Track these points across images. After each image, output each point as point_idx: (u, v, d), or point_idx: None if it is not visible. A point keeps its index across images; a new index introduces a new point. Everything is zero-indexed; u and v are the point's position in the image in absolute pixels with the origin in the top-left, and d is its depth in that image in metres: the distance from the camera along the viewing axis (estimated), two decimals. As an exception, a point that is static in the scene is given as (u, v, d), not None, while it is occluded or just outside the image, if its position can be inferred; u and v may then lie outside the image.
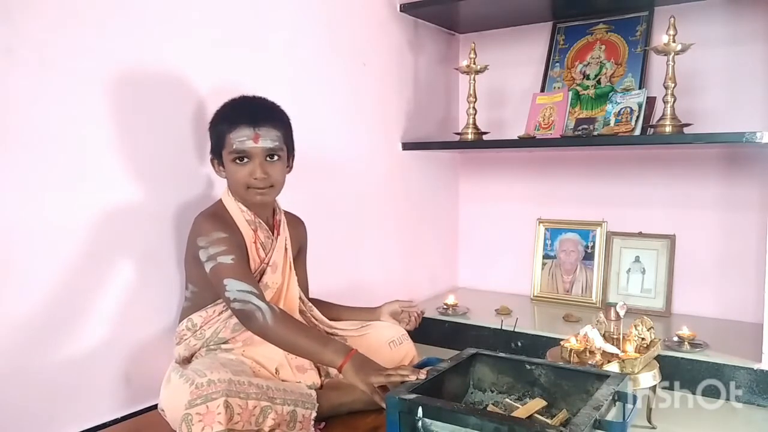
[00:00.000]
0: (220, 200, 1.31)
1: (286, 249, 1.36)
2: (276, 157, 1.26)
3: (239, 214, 1.28)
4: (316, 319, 1.43)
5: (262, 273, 1.30)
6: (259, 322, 1.16)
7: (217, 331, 1.25)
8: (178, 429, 1.04)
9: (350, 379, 1.13)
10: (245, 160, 1.23)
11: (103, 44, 1.25)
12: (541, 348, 1.69)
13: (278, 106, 1.30)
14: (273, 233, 1.34)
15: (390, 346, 1.42)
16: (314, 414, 1.20)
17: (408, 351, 1.44)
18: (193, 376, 1.08)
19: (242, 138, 1.21)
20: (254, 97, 1.30)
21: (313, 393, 1.23)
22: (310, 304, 1.45)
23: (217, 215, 1.27)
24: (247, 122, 1.22)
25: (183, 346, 1.26)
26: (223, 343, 1.26)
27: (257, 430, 1.11)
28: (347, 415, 1.30)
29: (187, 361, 1.26)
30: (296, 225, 1.44)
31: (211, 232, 1.21)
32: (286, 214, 1.42)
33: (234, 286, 1.17)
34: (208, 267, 1.19)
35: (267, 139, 1.23)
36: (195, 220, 1.26)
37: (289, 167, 1.33)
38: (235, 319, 1.23)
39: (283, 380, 1.24)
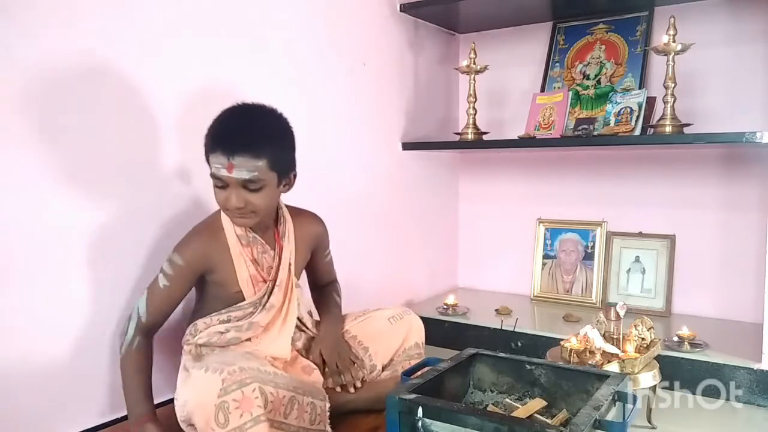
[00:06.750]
0: (218, 210, 1.25)
1: (290, 265, 1.30)
2: (256, 186, 1.15)
3: (231, 228, 1.23)
4: (305, 325, 1.39)
5: (269, 293, 1.26)
6: (120, 346, 1.19)
7: (211, 340, 1.23)
8: (213, 419, 1.01)
9: None
10: (223, 185, 1.16)
11: (101, 44, 1.25)
12: (541, 348, 1.69)
13: (265, 130, 1.18)
14: (276, 246, 1.29)
15: (390, 321, 1.42)
16: (328, 405, 1.21)
17: (411, 324, 1.44)
18: (222, 366, 1.06)
19: (217, 165, 1.13)
20: (241, 116, 1.18)
21: (320, 386, 1.24)
22: (305, 309, 1.41)
23: (207, 230, 1.23)
24: (222, 150, 1.12)
25: (188, 348, 1.25)
26: (233, 345, 1.25)
27: (283, 421, 1.11)
28: (348, 414, 1.30)
29: (194, 360, 1.22)
30: (307, 225, 1.37)
31: (177, 252, 1.20)
32: (297, 213, 1.35)
33: (139, 303, 1.20)
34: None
35: (242, 170, 1.12)
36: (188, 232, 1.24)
37: (288, 185, 1.24)
38: (231, 334, 1.23)
39: None
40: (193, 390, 1.09)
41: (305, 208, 1.40)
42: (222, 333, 1.23)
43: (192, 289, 1.27)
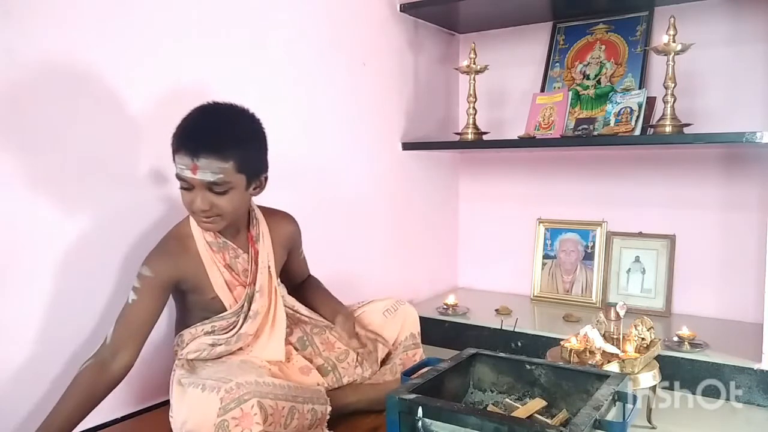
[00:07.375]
0: (187, 217, 1.21)
1: (269, 268, 1.27)
2: (222, 189, 1.11)
3: (200, 235, 1.20)
4: (301, 313, 1.37)
5: (250, 300, 1.22)
6: None
7: (200, 353, 1.21)
8: None
9: None
10: (188, 187, 1.12)
11: (99, 45, 1.25)
12: (541, 348, 1.69)
13: (233, 130, 1.13)
14: (250, 250, 1.25)
15: (385, 315, 1.41)
16: (329, 409, 1.19)
17: (406, 316, 1.42)
18: (218, 384, 1.04)
19: (182, 166, 1.09)
20: (208, 116, 1.14)
21: (322, 389, 1.22)
22: (293, 299, 1.39)
23: (176, 239, 1.19)
24: (187, 150, 1.08)
25: (180, 362, 1.23)
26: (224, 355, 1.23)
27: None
28: (348, 415, 1.30)
29: (188, 372, 1.20)
30: (281, 225, 1.33)
31: (146, 263, 1.15)
32: (270, 214, 1.32)
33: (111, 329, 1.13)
34: None
35: (207, 171, 1.08)
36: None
37: (258, 188, 1.20)
38: (221, 348, 1.21)
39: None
40: (191, 410, 1.08)
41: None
42: (211, 346, 1.21)
43: (164, 313, 1.21)
